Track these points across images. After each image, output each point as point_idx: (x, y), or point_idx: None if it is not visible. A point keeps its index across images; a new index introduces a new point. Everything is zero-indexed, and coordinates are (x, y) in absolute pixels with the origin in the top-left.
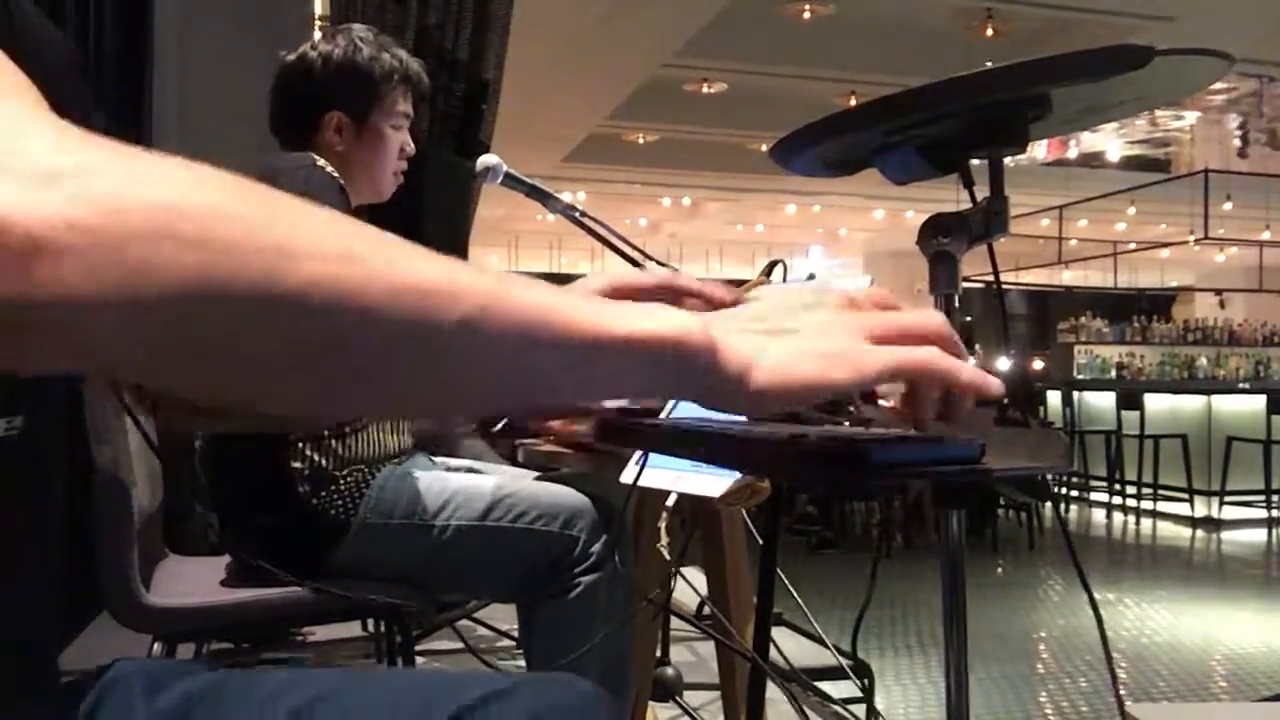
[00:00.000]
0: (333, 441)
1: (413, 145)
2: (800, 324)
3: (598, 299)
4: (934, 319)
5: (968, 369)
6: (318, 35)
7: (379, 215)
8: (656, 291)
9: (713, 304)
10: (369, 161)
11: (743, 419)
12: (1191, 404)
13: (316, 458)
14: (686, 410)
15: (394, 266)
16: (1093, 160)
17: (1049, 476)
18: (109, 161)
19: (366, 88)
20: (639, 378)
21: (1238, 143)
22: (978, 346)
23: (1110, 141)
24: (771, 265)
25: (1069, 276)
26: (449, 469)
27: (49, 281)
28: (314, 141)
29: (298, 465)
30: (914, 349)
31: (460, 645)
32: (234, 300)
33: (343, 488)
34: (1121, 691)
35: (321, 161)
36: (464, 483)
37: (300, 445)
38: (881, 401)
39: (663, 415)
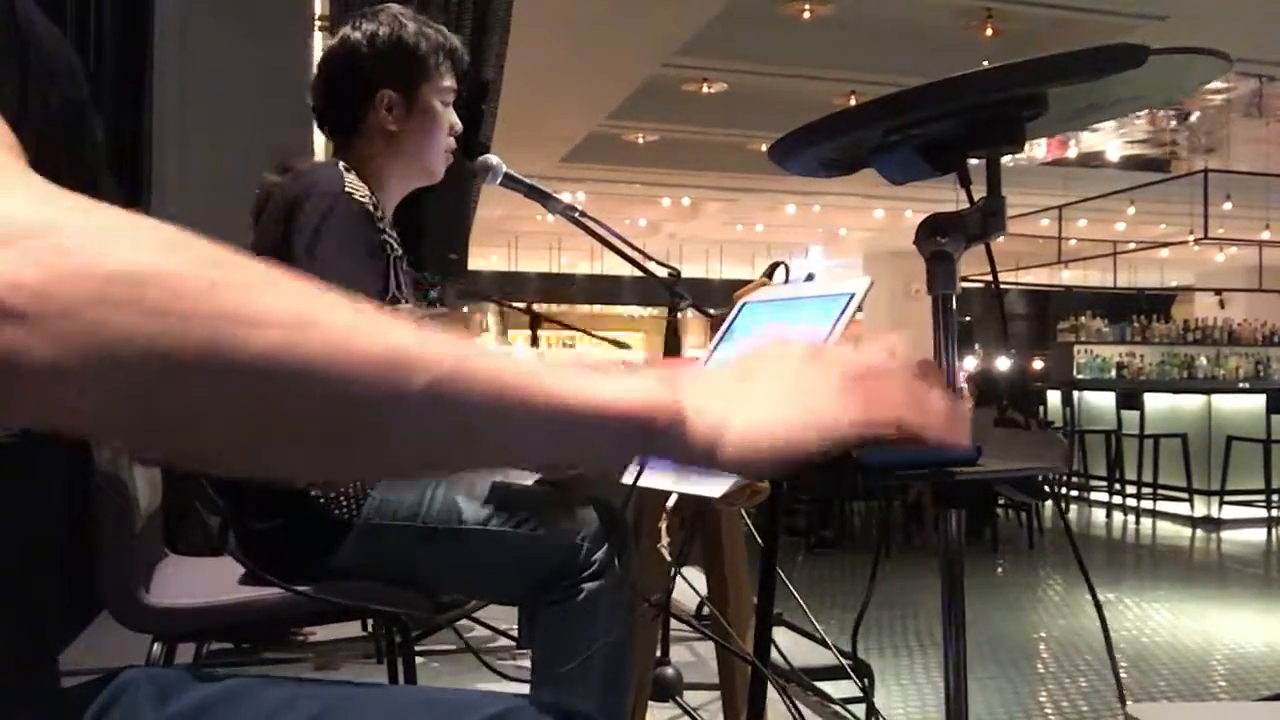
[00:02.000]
0: None
1: (460, 124)
2: (766, 382)
3: (567, 367)
4: (891, 359)
5: (935, 427)
6: (315, 29)
7: None
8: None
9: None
10: (422, 139)
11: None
12: (1191, 404)
13: None
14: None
15: (351, 336)
16: (1092, 160)
17: (1048, 476)
18: (70, 224)
19: (415, 63)
20: (609, 446)
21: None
22: (977, 346)
23: (1110, 141)
24: (773, 267)
25: (1069, 276)
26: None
27: (3, 340)
28: (365, 124)
29: None
30: (883, 408)
31: (460, 645)
32: (190, 368)
33: (348, 490)
34: (1122, 691)
35: (351, 186)
36: (467, 487)
37: None
38: None
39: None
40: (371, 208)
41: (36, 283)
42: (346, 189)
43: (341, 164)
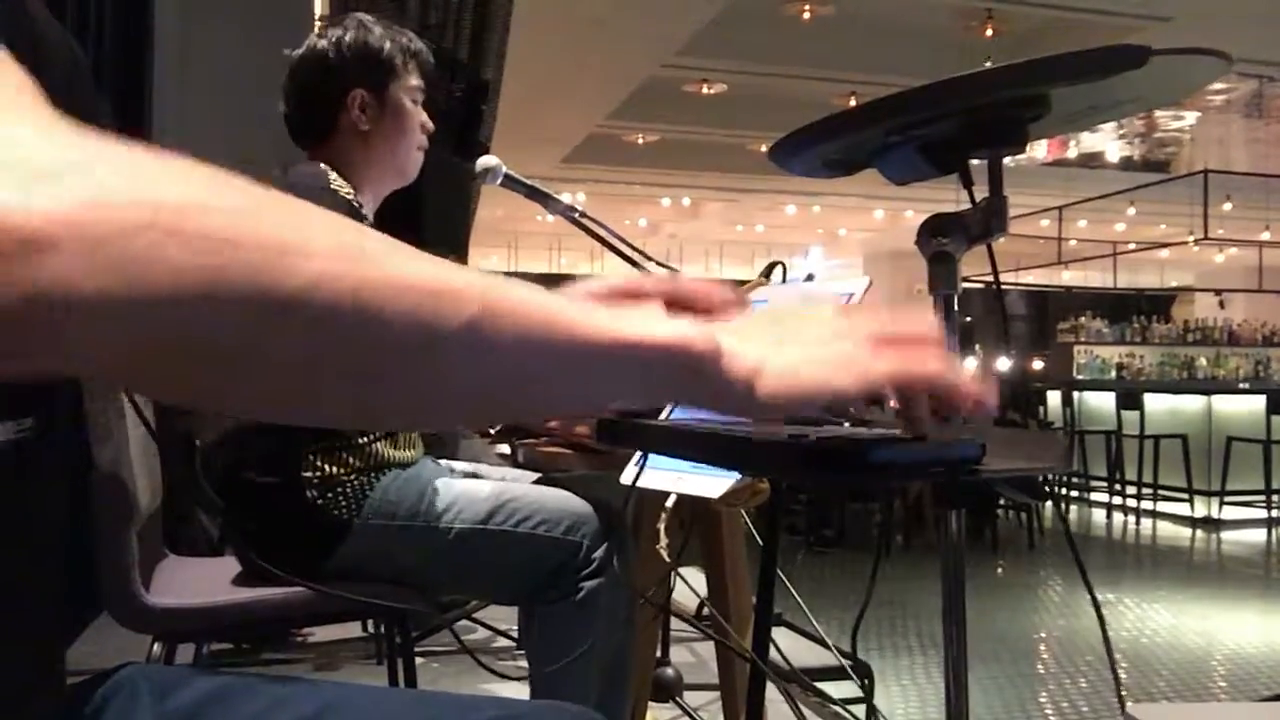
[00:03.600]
0: (343, 453)
1: (431, 122)
2: (803, 331)
3: (601, 305)
4: (929, 326)
5: (969, 383)
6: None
7: (381, 215)
8: (657, 295)
9: (713, 306)
10: (394, 137)
11: (742, 419)
12: (1191, 404)
13: (328, 468)
14: (686, 410)
15: (398, 266)
16: (1092, 160)
17: (1048, 477)
18: (104, 157)
19: (382, 63)
20: (643, 383)
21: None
22: (977, 346)
23: (1110, 142)
24: (771, 267)
25: (1069, 277)
26: (453, 472)
27: (40, 278)
28: (338, 127)
29: (308, 475)
30: (917, 357)
31: (460, 645)
32: (232, 299)
33: (348, 490)
34: (1122, 691)
35: (335, 183)
36: (467, 486)
37: (312, 456)
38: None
39: (662, 416)
40: (355, 204)
41: (76, 212)
42: (332, 185)
43: (322, 165)
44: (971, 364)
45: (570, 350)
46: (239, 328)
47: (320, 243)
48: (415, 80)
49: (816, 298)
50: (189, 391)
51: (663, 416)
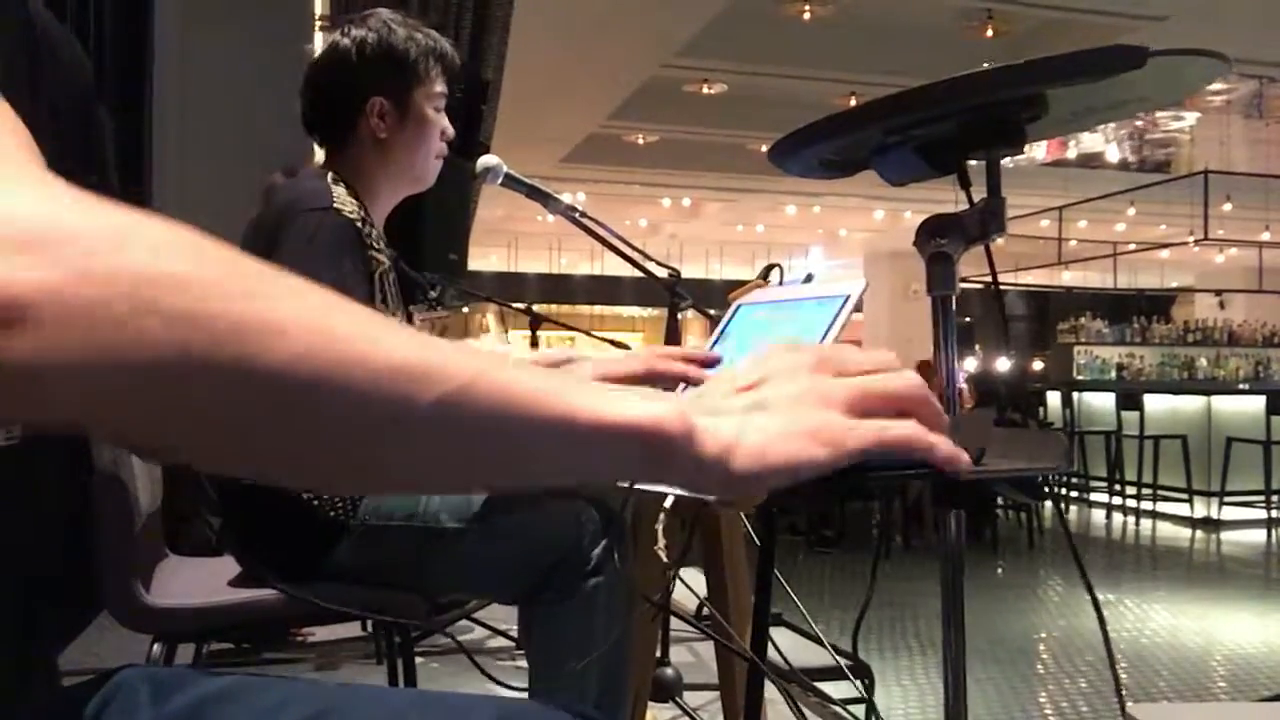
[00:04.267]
0: None
1: (451, 129)
2: (778, 398)
3: (576, 381)
4: (911, 384)
5: (943, 445)
6: (315, 30)
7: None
8: (643, 377)
9: (688, 378)
10: (413, 146)
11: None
12: (1191, 404)
13: None
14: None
15: (373, 344)
16: (1092, 161)
17: (1049, 477)
18: (93, 227)
19: (406, 69)
20: (618, 463)
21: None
22: (977, 347)
23: (1110, 142)
24: (768, 269)
25: (1069, 277)
26: None
27: (20, 347)
28: (355, 132)
29: None
30: (895, 424)
31: (459, 646)
32: (206, 372)
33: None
34: (1122, 691)
35: (339, 200)
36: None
37: None
38: None
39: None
40: (360, 222)
41: (60, 286)
42: (335, 204)
43: (330, 175)
44: (971, 364)
45: (545, 430)
46: (214, 402)
47: (294, 320)
48: (439, 87)
49: (796, 346)
50: (169, 454)
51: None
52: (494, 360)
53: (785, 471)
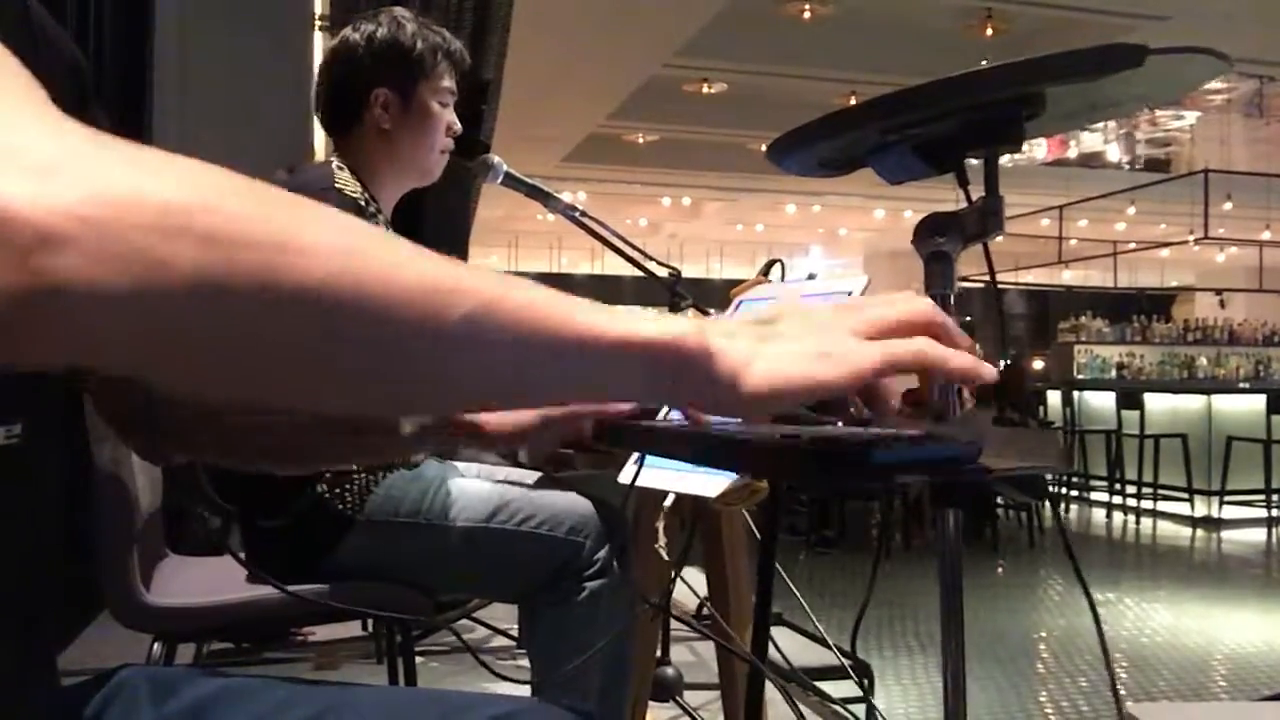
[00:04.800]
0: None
1: (459, 124)
2: (792, 326)
3: (594, 303)
4: (922, 306)
5: (958, 356)
6: (315, 29)
7: None
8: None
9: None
10: (417, 138)
11: (738, 421)
12: (1191, 404)
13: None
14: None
15: (399, 263)
16: (1093, 160)
17: (1048, 477)
18: (113, 156)
19: (412, 63)
20: (634, 380)
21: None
22: (977, 346)
23: (1110, 142)
24: (770, 265)
25: (1069, 276)
26: (457, 470)
27: (52, 272)
28: (361, 121)
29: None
30: (904, 341)
31: (459, 645)
32: (238, 294)
33: (355, 484)
34: (1121, 691)
35: (341, 182)
36: (470, 485)
37: None
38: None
39: (660, 416)
40: (363, 202)
41: (84, 209)
42: (336, 184)
43: (335, 163)
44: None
45: (566, 346)
46: (243, 322)
47: (322, 241)
48: (446, 82)
49: (817, 298)
50: (197, 383)
51: (660, 416)
52: (516, 280)
53: (798, 391)
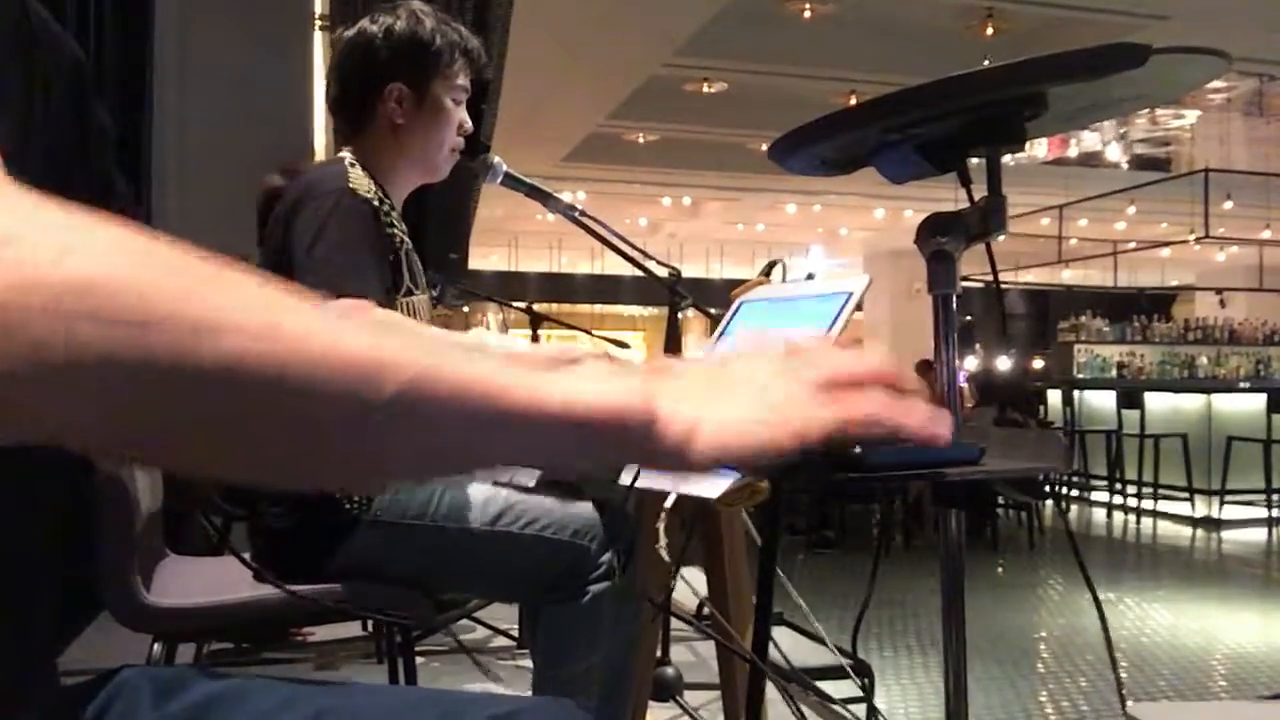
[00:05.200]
0: None
1: (470, 123)
2: (741, 383)
3: (536, 366)
4: (877, 364)
5: (914, 417)
6: (315, 29)
7: None
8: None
9: None
10: (429, 135)
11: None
12: (1192, 403)
13: None
14: None
15: (325, 339)
16: (1093, 159)
17: (1049, 476)
18: (26, 233)
19: (428, 59)
20: (579, 449)
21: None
22: (978, 345)
23: (1111, 141)
24: (770, 265)
25: (1069, 276)
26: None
27: None
28: (374, 114)
29: None
30: (857, 399)
31: (460, 645)
32: (151, 376)
33: None
34: (1122, 691)
35: (354, 180)
36: (476, 487)
37: None
38: None
39: None
40: (376, 203)
41: None
42: (350, 184)
43: (348, 158)
44: (971, 362)
45: (504, 419)
46: (158, 402)
47: (238, 320)
48: (461, 80)
49: (766, 341)
50: (121, 454)
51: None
52: (452, 349)
53: (745, 455)
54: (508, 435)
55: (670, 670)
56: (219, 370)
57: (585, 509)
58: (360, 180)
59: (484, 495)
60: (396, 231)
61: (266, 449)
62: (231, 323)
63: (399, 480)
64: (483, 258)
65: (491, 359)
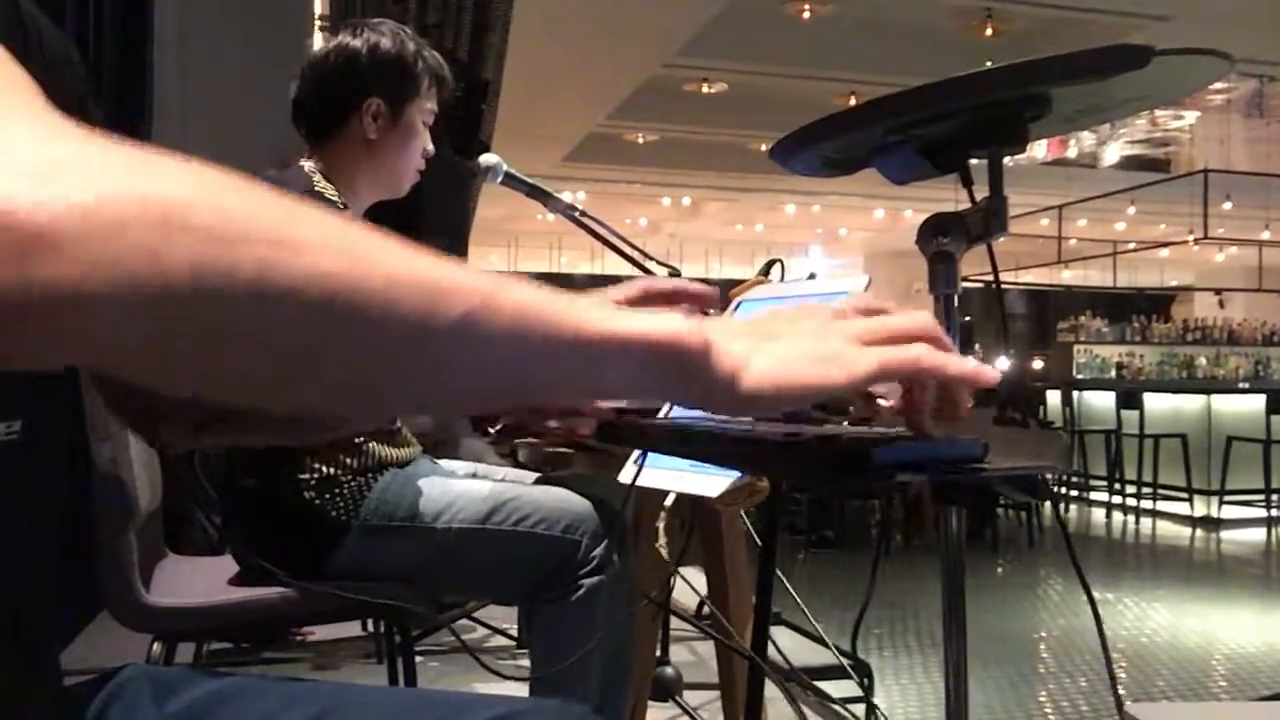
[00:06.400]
0: (341, 454)
1: (433, 147)
2: (792, 329)
3: (593, 299)
4: (920, 318)
5: (956, 362)
6: (315, 29)
7: (380, 214)
8: (663, 296)
9: (706, 305)
10: (397, 152)
11: (744, 420)
12: (1191, 404)
13: (326, 469)
14: (685, 410)
15: (395, 261)
16: (1093, 159)
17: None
18: (107, 154)
19: (410, 79)
20: (632, 378)
21: None
22: (977, 346)
23: (1110, 145)
24: (769, 265)
25: (1069, 276)
26: (452, 472)
27: (47, 271)
28: (344, 129)
29: (305, 476)
30: (902, 347)
31: (459, 645)
32: (231, 291)
33: (346, 491)
34: (1121, 691)
35: (320, 186)
36: (465, 486)
37: (309, 458)
38: (880, 401)
39: (661, 415)
40: (341, 206)
41: (77, 211)
42: (316, 189)
43: (308, 166)
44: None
45: (564, 342)
46: (238, 319)
47: (317, 238)
48: (431, 104)
49: (816, 299)
50: (190, 381)
51: (661, 415)
52: (512, 280)
53: (796, 391)
54: (566, 359)
55: (670, 670)
56: (300, 285)
57: (576, 503)
58: (325, 188)
59: (474, 494)
60: None
61: (333, 369)
62: (310, 240)
63: (459, 404)
64: (483, 258)
65: (550, 291)
